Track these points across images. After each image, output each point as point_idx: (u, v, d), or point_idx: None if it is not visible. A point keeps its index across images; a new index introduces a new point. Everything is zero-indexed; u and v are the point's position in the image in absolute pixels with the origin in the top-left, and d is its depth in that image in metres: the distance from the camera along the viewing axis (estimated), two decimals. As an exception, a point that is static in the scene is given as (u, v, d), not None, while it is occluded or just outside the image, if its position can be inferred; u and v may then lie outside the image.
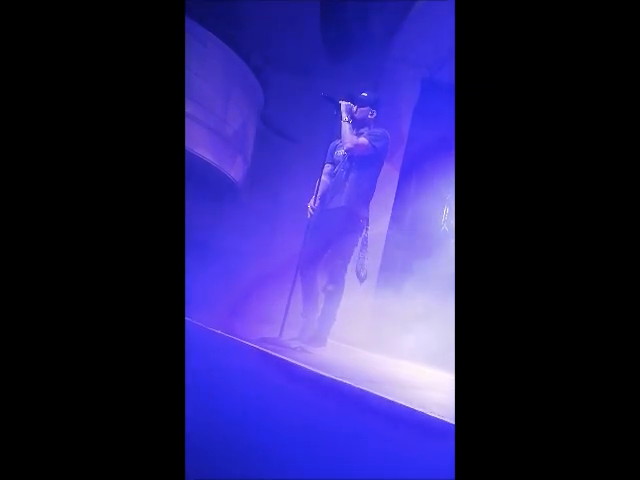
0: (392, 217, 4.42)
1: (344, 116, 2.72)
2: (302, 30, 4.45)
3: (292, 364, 1.85)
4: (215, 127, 3.98)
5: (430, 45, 4.17)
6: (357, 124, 2.76)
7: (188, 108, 3.42)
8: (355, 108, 2.75)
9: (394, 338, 3.59)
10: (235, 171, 4.32)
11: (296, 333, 2.65)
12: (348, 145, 2.68)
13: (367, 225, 2.71)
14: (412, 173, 4.46)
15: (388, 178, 4.05)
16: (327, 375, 1.67)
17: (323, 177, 2.77)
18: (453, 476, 0.98)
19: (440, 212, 4.25)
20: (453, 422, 1.07)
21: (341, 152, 2.77)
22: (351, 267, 2.69)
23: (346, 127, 2.70)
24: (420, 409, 1.35)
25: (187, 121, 3.06)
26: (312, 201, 2.74)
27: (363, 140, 2.68)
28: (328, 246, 2.68)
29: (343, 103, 2.74)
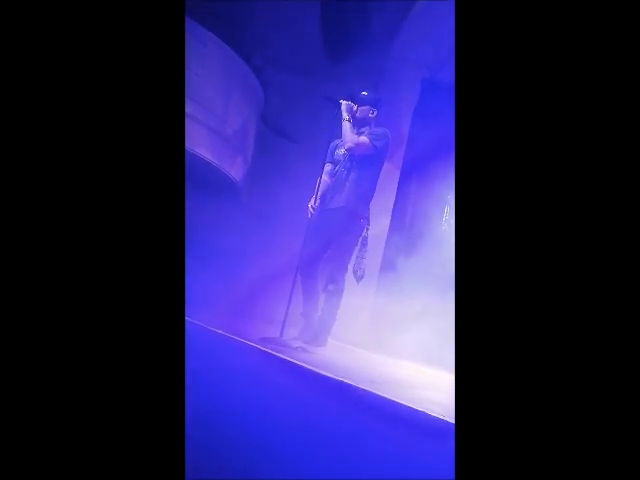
0: (392, 217, 4.42)
1: (345, 115, 2.72)
2: (302, 30, 4.44)
3: (292, 364, 1.86)
4: (215, 127, 3.98)
5: (430, 45, 4.17)
6: (358, 123, 2.76)
7: (188, 108, 3.42)
8: (355, 107, 2.75)
9: (394, 338, 3.59)
10: (235, 171, 4.32)
11: (296, 333, 2.65)
12: (349, 144, 2.68)
13: (367, 225, 2.71)
14: (412, 173, 4.46)
15: (388, 178, 4.05)
16: (327, 375, 1.67)
17: (323, 177, 2.77)
18: (453, 476, 0.98)
19: (440, 212, 4.25)
20: (453, 422, 1.07)
21: (342, 151, 2.77)
22: (351, 267, 2.69)
23: (347, 126, 2.70)
24: (420, 409, 1.35)
25: (187, 121, 3.06)
26: (312, 201, 2.74)
27: (364, 139, 2.68)
28: (328, 246, 2.68)
29: (344, 102, 2.74)
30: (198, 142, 3.75)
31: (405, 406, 1.39)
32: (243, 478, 1.42)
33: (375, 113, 2.78)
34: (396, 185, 4.48)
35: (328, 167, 2.79)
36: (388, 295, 4.03)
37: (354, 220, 2.68)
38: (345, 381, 1.60)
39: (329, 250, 2.69)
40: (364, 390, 1.53)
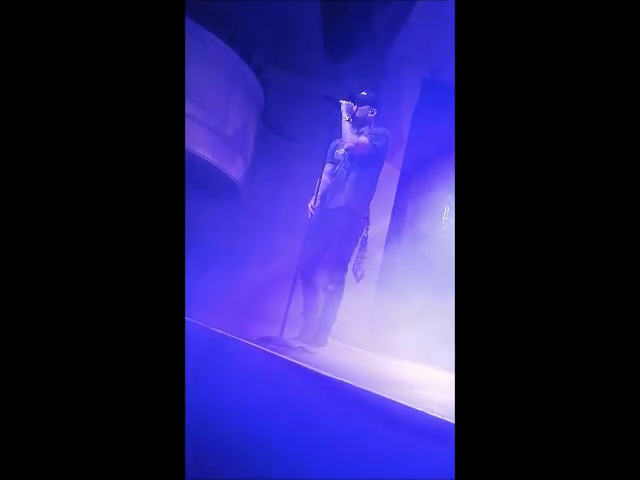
0: (392, 217, 4.43)
1: (344, 115, 2.72)
2: (302, 30, 4.44)
3: (292, 364, 1.85)
4: (215, 127, 3.98)
5: (430, 45, 4.17)
6: (358, 123, 2.76)
7: (188, 108, 3.42)
8: (355, 107, 2.75)
9: (394, 338, 3.59)
10: (235, 171, 4.32)
11: (296, 333, 2.65)
12: (348, 144, 2.68)
13: (367, 225, 2.71)
14: (412, 173, 4.46)
15: (388, 178, 4.05)
16: (327, 375, 1.67)
17: (323, 176, 2.77)
18: (453, 476, 0.98)
19: (440, 212, 4.25)
20: (453, 422, 1.07)
21: (342, 151, 2.77)
22: (351, 267, 2.69)
23: (346, 126, 2.70)
24: (420, 409, 1.35)
25: (187, 121, 3.06)
26: (312, 201, 2.74)
27: (363, 139, 2.68)
28: (328, 246, 2.68)
29: (343, 102, 2.74)
30: (198, 142, 3.75)
31: (405, 406, 1.39)
32: (243, 478, 1.42)
33: (375, 113, 2.78)
34: (396, 185, 4.48)
35: (328, 167, 2.79)
36: (388, 295, 4.03)
37: (354, 220, 2.68)
38: (345, 381, 1.60)
39: (329, 250, 2.69)
40: (364, 390, 1.53)
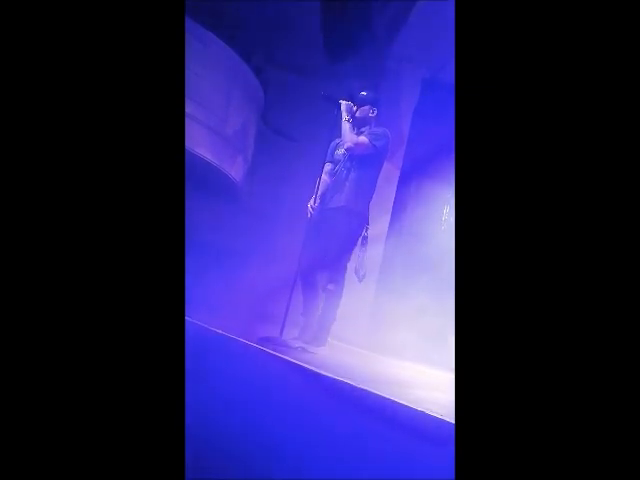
0: (392, 216, 4.43)
1: (344, 115, 2.72)
2: (302, 30, 4.45)
3: (292, 363, 1.85)
4: (215, 127, 3.98)
5: (430, 45, 4.17)
6: (358, 123, 2.76)
7: (188, 108, 3.42)
8: (355, 107, 2.75)
9: (394, 338, 3.60)
10: (235, 171, 4.32)
11: (296, 332, 2.65)
12: (348, 144, 2.68)
13: (367, 224, 2.71)
14: (412, 172, 4.46)
15: (388, 177, 4.05)
16: (327, 374, 1.67)
17: (323, 176, 2.77)
18: (453, 476, 0.98)
19: (440, 212, 4.25)
20: (453, 422, 1.07)
21: (341, 151, 2.77)
22: (351, 266, 2.69)
23: (346, 126, 2.70)
24: (420, 409, 1.35)
25: (187, 121, 3.06)
26: (312, 200, 2.74)
27: (363, 139, 2.68)
28: (328, 246, 2.68)
29: (343, 102, 2.74)
30: (198, 142, 3.75)
31: (405, 406, 1.39)
32: (243, 478, 1.42)
33: (375, 112, 2.78)
34: (396, 185, 4.49)
35: (328, 167, 2.79)
36: (388, 295, 4.03)
37: (354, 220, 2.68)
38: (345, 381, 1.60)
39: (329, 250, 2.69)
40: (364, 390, 1.53)
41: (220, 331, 2.19)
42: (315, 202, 2.72)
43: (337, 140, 2.82)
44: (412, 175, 4.46)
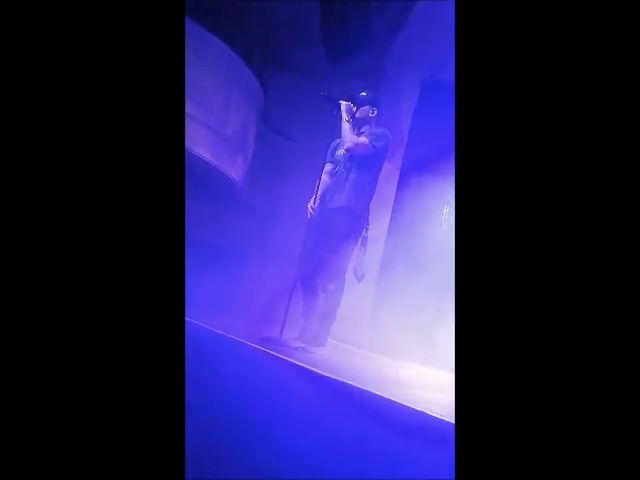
0: (392, 216, 4.43)
1: (344, 116, 2.72)
2: (302, 30, 4.45)
3: (292, 364, 1.86)
4: (215, 127, 3.98)
5: (430, 45, 4.18)
6: (358, 123, 2.76)
7: (188, 108, 3.42)
8: (355, 107, 2.75)
9: (394, 338, 3.60)
10: (235, 171, 4.32)
11: (296, 333, 2.65)
12: (348, 144, 2.68)
13: (367, 225, 2.70)
14: (412, 173, 4.47)
15: (388, 178, 4.05)
16: (327, 375, 1.67)
17: (323, 176, 2.77)
18: (453, 476, 0.98)
19: (440, 212, 4.25)
20: (453, 422, 1.07)
21: (342, 151, 2.77)
22: (351, 267, 2.69)
23: (346, 127, 2.70)
24: (420, 409, 1.35)
25: (187, 121, 3.06)
26: (312, 201, 2.74)
27: (363, 139, 2.68)
28: (328, 246, 2.68)
29: (343, 103, 2.74)
30: (198, 142, 3.75)
31: (405, 406, 1.39)
32: (243, 478, 1.42)
33: (375, 113, 2.78)
34: (396, 185, 4.49)
35: (328, 167, 2.79)
36: (387, 295, 4.03)
37: (354, 220, 2.67)
38: (345, 381, 1.60)
39: (329, 250, 2.69)
40: (364, 390, 1.53)
41: (220, 331, 2.20)
42: (315, 202, 2.72)
43: (337, 140, 2.82)
44: (412, 175, 4.46)
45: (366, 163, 2.70)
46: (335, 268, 2.66)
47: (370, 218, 2.73)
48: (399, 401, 1.42)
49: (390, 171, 4.10)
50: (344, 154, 2.75)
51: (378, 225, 3.39)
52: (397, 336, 3.56)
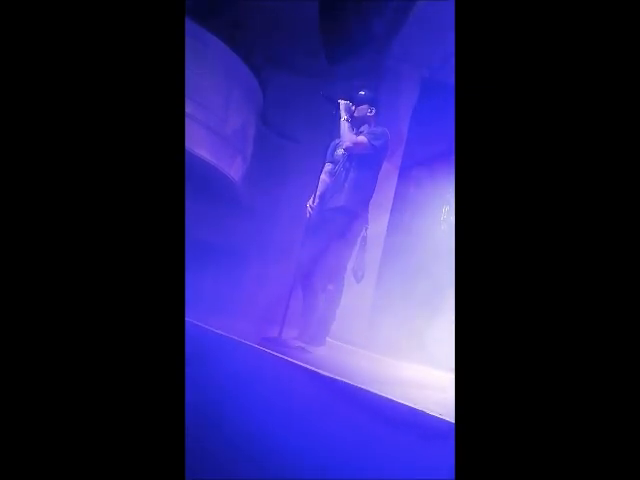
0: (391, 216, 4.43)
1: (343, 115, 2.72)
2: (302, 30, 4.45)
3: (291, 363, 1.86)
4: (215, 127, 3.98)
5: (430, 45, 4.18)
6: (357, 122, 2.76)
7: (188, 108, 3.42)
8: (354, 107, 2.75)
9: (393, 337, 3.60)
10: (234, 171, 4.32)
11: (296, 332, 2.65)
12: (347, 144, 2.67)
13: (366, 224, 2.70)
14: (411, 172, 4.47)
15: (387, 177, 4.05)
16: (326, 374, 1.67)
17: (323, 176, 2.77)
18: (453, 476, 0.98)
19: (439, 211, 4.25)
20: (453, 421, 1.07)
21: (341, 151, 2.77)
22: (350, 266, 2.69)
23: (345, 126, 2.70)
24: (419, 408, 1.35)
25: (187, 121, 3.06)
26: (311, 200, 2.74)
27: (362, 139, 2.68)
28: (327, 246, 2.68)
29: (342, 102, 2.74)
30: (198, 142, 3.75)
31: (404, 405, 1.40)
32: (243, 478, 1.42)
33: (374, 112, 2.78)
34: (395, 184, 4.48)
35: (328, 166, 2.79)
36: (387, 294, 4.03)
37: (353, 220, 2.67)
38: (344, 380, 1.61)
39: (328, 250, 2.68)
40: (363, 389, 1.53)
41: (220, 331, 2.20)
42: (314, 202, 2.72)
43: (337, 140, 2.82)
44: (411, 175, 4.46)
45: (365, 162, 2.70)
46: (334, 268, 2.65)
47: (369, 218, 2.73)
48: (398, 400, 1.42)
49: (389, 170, 4.10)
50: (343, 154, 2.75)
51: (377, 225, 3.39)
52: (396, 336, 3.56)
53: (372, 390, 1.51)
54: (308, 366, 1.78)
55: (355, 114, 2.74)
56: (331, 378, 1.64)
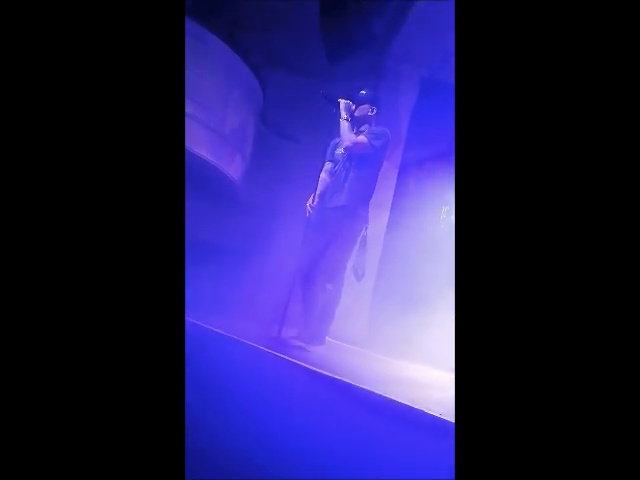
0: (391, 215, 4.43)
1: (343, 114, 2.72)
2: (302, 30, 4.45)
3: (291, 362, 1.86)
4: (214, 126, 3.98)
5: (430, 45, 4.17)
6: (357, 122, 2.76)
7: (188, 108, 3.42)
8: (354, 106, 2.75)
9: (393, 337, 3.60)
10: (234, 170, 4.32)
11: (295, 332, 2.65)
12: (347, 143, 2.67)
13: (366, 224, 2.70)
14: (411, 172, 4.46)
15: (387, 177, 4.05)
16: (326, 373, 1.67)
17: (323, 175, 2.76)
18: (453, 475, 0.98)
19: (439, 211, 4.25)
20: (453, 421, 1.07)
21: (341, 150, 2.77)
22: (350, 266, 2.69)
23: (345, 125, 2.70)
24: (419, 408, 1.35)
25: (187, 121, 3.06)
26: (311, 200, 2.74)
27: (362, 139, 2.67)
28: (327, 245, 2.68)
29: (342, 101, 2.74)
30: (198, 142, 3.75)
31: (404, 405, 1.40)
32: (243, 477, 1.43)
33: (375, 111, 2.78)
34: (394, 184, 4.48)
35: (328, 165, 2.79)
36: (386, 294, 4.03)
37: (353, 219, 2.67)
38: (343, 380, 1.61)
39: (328, 249, 2.68)
40: (362, 389, 1.53)
41: (219, 330, 2.20)
42: (314, 201, 2.72)
43: (337, 139, 2.81)
44: (410, 174, 4.46)
45: (365, 162, 2.70)
46: (334, 267, 2.65)
47: (369, 217, 2.73)
48: (398, 400, 1.42)
49: (389, 170, 4.10)
50: (343, 153, 2.75)
51: (377, 224, 3.39)
52: (396, 335, 3.56)
53: (372, 389, 1.51)
54: (307, 365, 1.78)
55: (355, 114, 2.74)
56: (330, 377, 1.64)
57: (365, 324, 4.15)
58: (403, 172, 4.50)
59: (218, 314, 3.03)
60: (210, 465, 1.42)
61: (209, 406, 1.59)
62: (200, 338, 2.00)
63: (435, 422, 1.29)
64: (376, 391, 1.50)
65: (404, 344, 3.49)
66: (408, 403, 1.40)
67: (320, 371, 1.71)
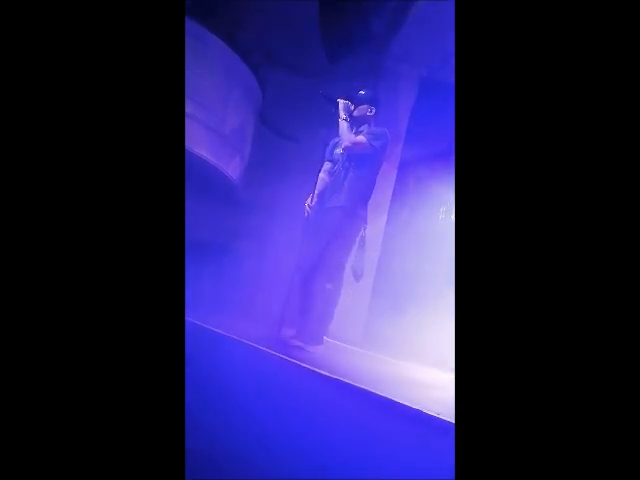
0: (390, 216, 4.43)
1: (342, 114, 2.72)
2: (301, 29, 4.44)
3: (290, 362, 1.86)
4: (214, 126, 3.98)
5: (430, 45, 4.17)
6: (357, 122, 2.76)
7: (188, 108, 3.42)
8: (353, 106, 2.75)
9: (392, 337, 3.60)
10: (233, 170, 4.31)
11: (294, 332, 2.65)
12: (346, 143, 2.68)
13: (365, 224, 2.70)
14: (410, 172, 4.46)
15: (386, 177, 4.05)
16: (324, 373, 1.67)
17: (322, 175, 2.77)
18: (453, 475, 0.99)
19: (438, 211, 4.25)
20: (453, 421, 1.07)
21: (340, 150, 2.77)
22: (349, 266, 2.69)
23: (344, 125, 2.70)
24: (419, 408, 1.36)
25: (187, 121, 3.06)
26: (310, 199, 2.74)
27: (361, 139, 2.68)
28: (326, 245, 2.68)
29: (341, 101, 2.74)
30: (197, 141, 3.75)
31: (403, 405, 1.40)
32: (243, 477, 1.43)
33: (374, 111, 2.78)
34: (393, 184, 4.49)
35: (327, 165, 2.79)
36: (385, 294, 4.03)
37: (352, 219, 2.67)
38: (342, 380, 1.61)
39: (327, 249, 2.68)
40: (361, 389, 1.53)
41: (219, 330, 2.20)
42: (313, 201, 2.72)
43: (336, 139, 2.82)
44: (409, 174, 4.46)
45: (364, 162, 2.70)
46: (333, 267, 2.65)
47: (368, 217, 2.73)
48: (398, 400, 1.42)
49: (388, 170, 4.10)
50: (342, 153, 2.75)
51: (376, 224, 3.38)
52: (395, 335, 3.56)
53: (371, 389, 1.51)
54: (306, 365, 1.79)
55: (355, 114, 2.75)
56: (330, 377, 1.64)
57: (364, 324, 4.15)
58: (402, 172, 4.50)
59: (218, 314, 3.03)
60: (210, 465, 1.42)
61: (209, 406, 1.59)
62: (200, 338, 2.00)
63: (435, 422, 1.29)
64: (375, 391, 1.50)
65: (403, 344, 3.49)
66: (407, 403, 1.40)
67: (319, 371, 1.71)
